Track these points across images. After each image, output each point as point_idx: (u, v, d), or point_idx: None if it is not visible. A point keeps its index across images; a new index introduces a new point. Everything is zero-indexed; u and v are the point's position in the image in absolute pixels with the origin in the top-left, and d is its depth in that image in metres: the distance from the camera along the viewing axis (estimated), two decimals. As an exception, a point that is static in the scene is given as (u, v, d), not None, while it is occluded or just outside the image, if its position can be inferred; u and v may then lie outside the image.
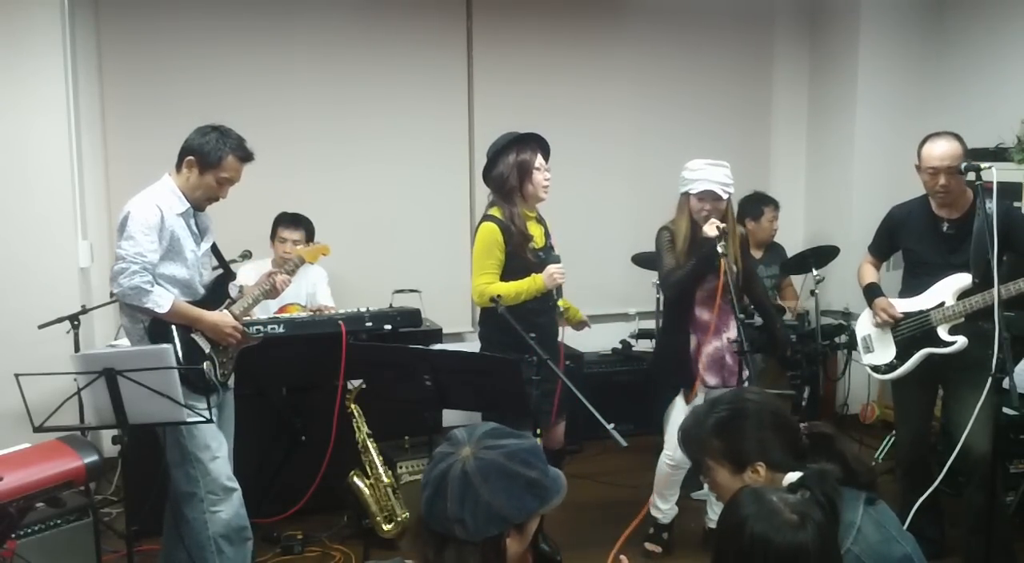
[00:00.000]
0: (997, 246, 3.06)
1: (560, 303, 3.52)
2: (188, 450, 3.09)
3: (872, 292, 3.61)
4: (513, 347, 3.29)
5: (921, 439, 3.63)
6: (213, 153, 3.09)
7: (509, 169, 3.48)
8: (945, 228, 3.40)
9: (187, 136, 3.16)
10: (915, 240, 3.51)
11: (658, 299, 4.91)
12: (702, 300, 3.61)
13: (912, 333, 3.45)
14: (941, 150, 3.28)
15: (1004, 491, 3.66)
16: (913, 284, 3.52)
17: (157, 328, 3.04)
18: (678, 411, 3.62)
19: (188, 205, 3.15)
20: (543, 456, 1.60)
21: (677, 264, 3.59)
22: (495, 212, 3.50)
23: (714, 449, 1.96)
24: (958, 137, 3.33)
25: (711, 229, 3.43)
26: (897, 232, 3.60)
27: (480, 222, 3.55)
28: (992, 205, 3.15)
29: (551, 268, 3.43)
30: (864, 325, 3.66)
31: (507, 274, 3.46)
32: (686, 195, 3.61)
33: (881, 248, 3.72)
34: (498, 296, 3.34)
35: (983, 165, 3.17)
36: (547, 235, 3.63)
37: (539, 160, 3.49)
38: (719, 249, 3.39)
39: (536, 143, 3.53)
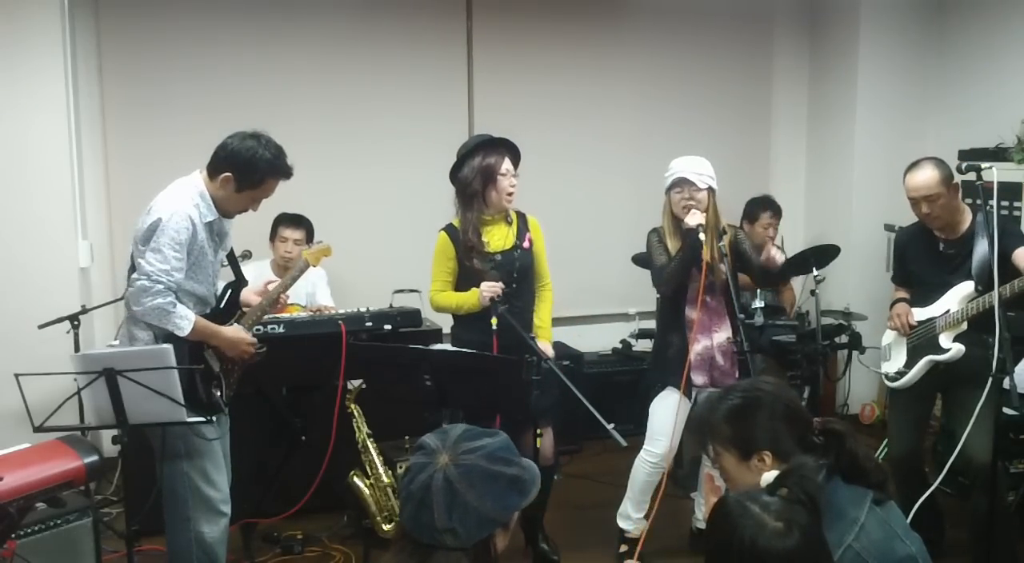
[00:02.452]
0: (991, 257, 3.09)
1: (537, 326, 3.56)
2: (185, 471, 3.01)
3: (896, 302, 3.62)
4: (479, 346, 3.34)
5: (909, 446, 3.62)
6: (254, 175, 2.94)
7: (473, 173, 3.50)
8: (942, 248, 3.44)
9: (224, 140, 2.98)
10: (916, 261, 3.56)
11: (657, 299, 4.91)
12: (692, 298, 3.59)
13: (919, 341, 3.48)
14: (916, 181, 3.33)
15: (1005, 491, 3.65)
16: (917, 304, 3.54)
17: (169, 342, 2.89)
18: (661, 408, 3.61)
19: (216, 215, 3.01)
20: (515, 449, 1.60)
21: (668, 260, 3.59)
22: (454, 221, 3.56)
23: (723, 435, 1.97)
24: (938, 162, 3.34)
25: (691, 218, 3.43)
26: (903, 256, 3.64)
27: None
28: (983, 232, 3.19)
29: (483, 285, 3.41)
30: (887, 334, 3.69)
31: (462, 280, 3.55)
32: (668, 194, 3.59)
33: (900, 276, 3.71)
34: (498, 296, 3.36)
35: (983, 165, 3.19)
36: (520, 235, 3.60)
37: (505, 166, 3.49)
38: (701, 237, 3.39)
39: (505, 149, 3.53)
